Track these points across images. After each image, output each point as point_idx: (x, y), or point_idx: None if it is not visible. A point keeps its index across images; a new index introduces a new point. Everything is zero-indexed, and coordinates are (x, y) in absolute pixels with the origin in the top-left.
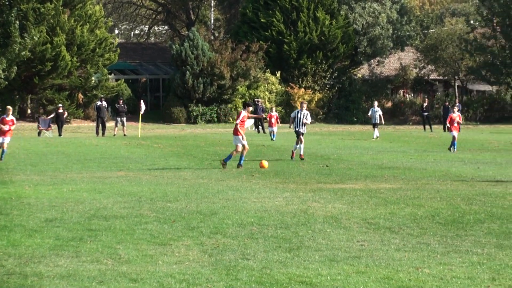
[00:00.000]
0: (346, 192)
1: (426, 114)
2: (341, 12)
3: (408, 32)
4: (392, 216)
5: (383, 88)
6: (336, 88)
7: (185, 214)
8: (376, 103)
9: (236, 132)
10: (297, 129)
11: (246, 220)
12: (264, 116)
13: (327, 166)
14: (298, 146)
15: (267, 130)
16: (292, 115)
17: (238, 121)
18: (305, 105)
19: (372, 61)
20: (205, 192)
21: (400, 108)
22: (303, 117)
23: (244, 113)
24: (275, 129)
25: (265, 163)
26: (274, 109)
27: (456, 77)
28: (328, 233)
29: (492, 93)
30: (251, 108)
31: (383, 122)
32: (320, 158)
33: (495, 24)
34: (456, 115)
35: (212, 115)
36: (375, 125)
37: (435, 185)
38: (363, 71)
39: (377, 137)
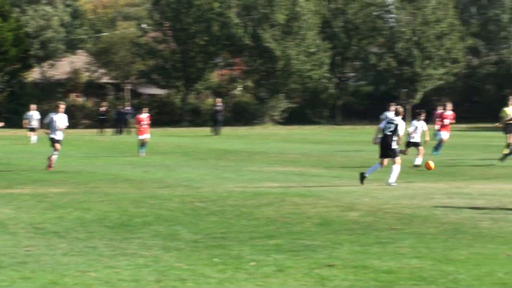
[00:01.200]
0: (14, 197)
1: (103, 117)
2: (13, 15)
3: (81, 35)
4: (60, 220)
5: (54, 92)
6: (8, 92)
7: None
8: (34, 106)
9: None
10: (53, 136)
11: None
12: None
13: None
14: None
15: None
16: (47, 119)
17: None
18: (63, 106)
19: (44, 64)
20: None
21: (71, 111)
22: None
23: None
24: None
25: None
26: None
27: (127, 80)
28: None
29: (162, 97)
30: None
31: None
32: None
33: (166, 29)
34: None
35: None
36: (32, 130)
37: (104, 188)
38: (35, 74)
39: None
